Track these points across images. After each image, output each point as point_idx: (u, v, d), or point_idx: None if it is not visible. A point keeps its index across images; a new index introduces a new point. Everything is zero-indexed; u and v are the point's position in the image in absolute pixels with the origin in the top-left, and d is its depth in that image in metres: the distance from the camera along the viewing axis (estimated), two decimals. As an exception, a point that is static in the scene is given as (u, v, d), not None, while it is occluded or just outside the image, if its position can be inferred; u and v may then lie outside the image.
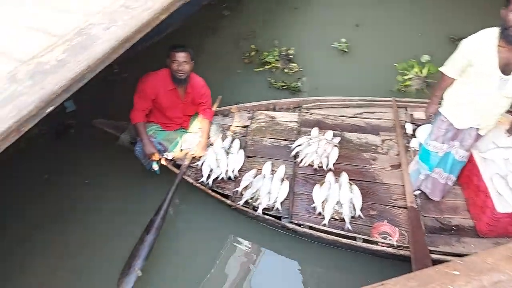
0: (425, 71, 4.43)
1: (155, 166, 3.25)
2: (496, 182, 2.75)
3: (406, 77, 4.45)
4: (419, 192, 3.13)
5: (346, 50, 4.94)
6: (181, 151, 3.35)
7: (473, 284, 1.74)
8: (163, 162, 3.27)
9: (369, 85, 4.32)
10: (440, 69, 2.56)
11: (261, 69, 4.73)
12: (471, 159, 2.83)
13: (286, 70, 4.69)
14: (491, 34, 2.21)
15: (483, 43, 2.24)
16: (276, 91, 4.45)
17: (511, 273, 1.76)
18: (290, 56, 4.82)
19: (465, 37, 4.78)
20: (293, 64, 4.74)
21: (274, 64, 4.74)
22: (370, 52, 4.90)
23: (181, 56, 2.90)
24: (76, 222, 3.30)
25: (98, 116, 3.64)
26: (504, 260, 1.93)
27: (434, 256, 2.72)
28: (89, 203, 3.42)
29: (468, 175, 2.94)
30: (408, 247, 2.79)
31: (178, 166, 3.33)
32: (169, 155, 3.26)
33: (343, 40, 5.02)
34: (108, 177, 3.62)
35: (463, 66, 2.39)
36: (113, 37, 2.37)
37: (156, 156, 3.13)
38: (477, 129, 2.58)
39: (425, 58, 4.65)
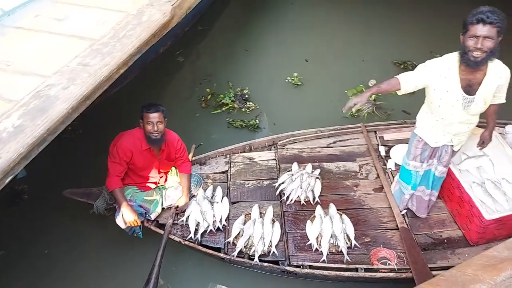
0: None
1: (138, 231, 3.05)
2: (475, 190, 2.90)
3: None
4: (405, 211, 3.21)
5: (299, 83, 5.14)
6: (163, 209, 3.19)
7: None
8: (145, 224, 3.09)
9: (324, 114, 4.52)
10: (398, 76, 2.53)
11: (218, 111, 4.78)
12: (449, 172, 2.96)
13: (243, 110, 4.79)
14: (453, 58, 2.38)
15: (445, 67, 2.40)
16: (235, 130, 4.52)
17: (491, 282, 1.80)
18: (246, 96, 4.94)
19: (409, 61, 5.21)
20: (250, 103, 4.86)
21: (231, 105, 4.82)
22: (322, 83, 5.13)
23: (155, 116, 2.82)
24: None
25: (54, 178, 3.45)
26: (481, 270, 1.97)
27: (434, 273, 2.75)
28: (61, 279, 3.12)
29: (448, 188, 3.07)
30: (408, 269, 2.81)
31: (162, 226, 3.15)
32: (152, 216, 3.09)
33: (295, 74, 5.21)
34: (81, 247, 3.35)
35: (420, 85, 2.49)
36: (72, 97, 2.33)
37: (138, 222, 2.94)
38: (452, 145, 2.72)
39: (372, 82, 4.94)
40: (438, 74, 2.42)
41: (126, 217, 2.87)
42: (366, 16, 6.38)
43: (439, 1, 6.41)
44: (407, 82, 2.49)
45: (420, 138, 2.78)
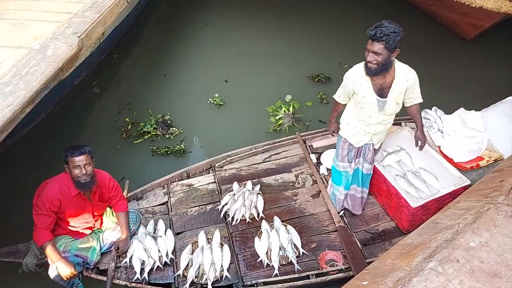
0: (291, 109, 4.94)
1: (78, 283, 2.82)
2: (399, 182, 3.19)
3: (277, 117, 4.87)
4: (342, 211, 3.40)
5: (222, 103, 5.18)
6: (102, 254, 2.99)
7: None
8: (84, 273, 2.87)
9: (249, 131, 4.66)
10: (333, 96, 2.95)
11: (140, 140, 4.64)
12: (375, 169, 3.22)
13: (167, 136, 4.69)
14: (364, 67, 2.62)
15: (360, 74, 2.64)
16: (160, 158, 4.43)
17: (407, 268, 1.99)
18: (168, 121, 4.86)
19: (322, 74, 5.58)
20: (173, 128, 4.77)
21: (153, 133, 4.70)
22: (243, 102, 5.24)
23: (81, 159, 2.64)
24: None
25: None
26: (398, 258, 2.18)
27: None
28: None
29: (376, 184, 3.33)
30: (353, 266, 2.97)
31: (104, 272, 2.95)
32: (91, 264, 2.87)
33: (216, 95, 5.25)
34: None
35: (350, 93, 2.78)
36: None
37: (75, 273, 2.70)
38: (373, 143, 2.98)
39: (288, 97, 5.19)
40: (354, 82, 2.67)
41: (61, 272, 2.62)
42: (278, 33, 6.68)
43: (346, 15, 6.97)
44: (340, 97, 2.91)
45: (345, 139, 3.01)
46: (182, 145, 4.52)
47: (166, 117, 4.90)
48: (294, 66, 5.85)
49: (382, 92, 2.65)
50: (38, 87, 2.81)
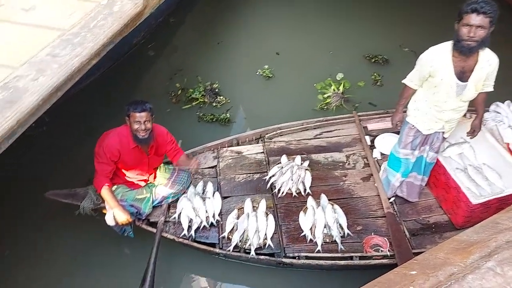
0: (341, 88, 4.74)
1: (129, 230, 2.96)
2: (459, 176, 3.03)
3: (325, 95, 4.69)
4: (393, 198, 3.30)
5: (270, 75, 5.07)
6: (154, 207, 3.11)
7: (431, 281, 1.82)
8: (136, 223, 3.00)
9: (295, 107, 4.56)
10: (403, 81, 2.76)
11: (189, 106, 4.67)
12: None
13: (214, 104, 4.69)
14: (446, 47, 2.46)
15: (439, 55, 2.48)
16: (206, 125, 4.45)
17: (461, 264, 1.88)
18: (216, 90, 4.84)
19: (380, 55, 5.28)
20: (220, 97, 4.75)
21: (201, 100, 4.72)
22: (292, 76, 5.09)
23: (142, 116, 2.70)
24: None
25: (26, 180, 3.42)
26: (452, 253, 2.06)
27: (423, 256, 2.86)
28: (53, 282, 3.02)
29: (434, 175, 3.18)
30: (399, 254, 2.90)
31: (153, 224, 3.08)
32: (143, 215, 3.00)
33: (266, 66, 5.14)
34: (70, 249, 3.24)
35: (424, 77, 2.61)
36: (43, 88, 2.30)
37: (130, 220, 2.85)
38: (443, 132, 2.83)
39: (339, 76, 4.97)
40: (433, 63, 2.51)
41: (118, 218, 2.77)
42: (337, 8, 6.38)
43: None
44: (412, 81, 2.72)
45: (412, 125, 2.85)
46: (227, 114, 4.52)
47: (214, 85, 4.89)
48: (349, 44, 5.57)
49: (463, 75, 2.48)
50: (105, 41, 2.85)
